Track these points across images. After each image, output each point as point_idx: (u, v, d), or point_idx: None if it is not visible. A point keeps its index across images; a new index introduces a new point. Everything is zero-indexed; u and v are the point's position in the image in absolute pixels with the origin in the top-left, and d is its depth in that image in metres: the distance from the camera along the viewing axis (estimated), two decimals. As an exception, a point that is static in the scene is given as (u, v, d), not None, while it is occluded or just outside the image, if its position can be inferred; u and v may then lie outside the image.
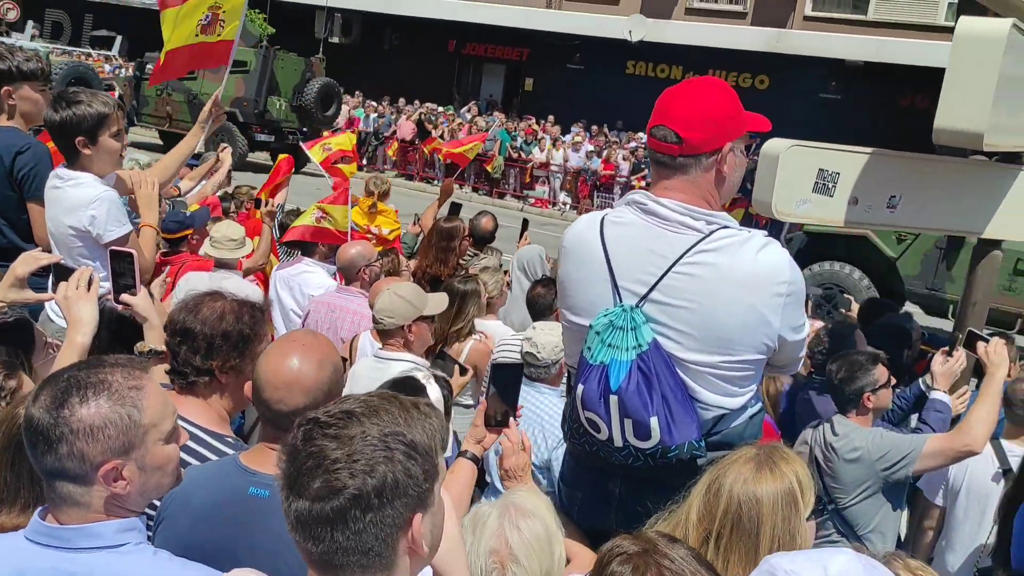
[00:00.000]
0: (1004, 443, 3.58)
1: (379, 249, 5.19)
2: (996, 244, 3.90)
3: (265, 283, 5.26)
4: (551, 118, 22.25)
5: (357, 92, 24.08)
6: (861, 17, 21.19)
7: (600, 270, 2.06)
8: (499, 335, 4.42)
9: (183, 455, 1.68)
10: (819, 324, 4.59)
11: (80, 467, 1.44)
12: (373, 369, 3.39)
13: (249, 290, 4.48)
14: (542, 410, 3.30)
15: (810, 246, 10.66)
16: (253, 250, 4.94)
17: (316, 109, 19.83)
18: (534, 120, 22.26)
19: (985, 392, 3.26)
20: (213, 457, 2.03)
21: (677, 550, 1.49)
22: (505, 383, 2.12)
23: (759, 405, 2.14)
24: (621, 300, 2.01)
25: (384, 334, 3.49)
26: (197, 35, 3.89)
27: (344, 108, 23.08)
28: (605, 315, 2.00)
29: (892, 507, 3.33)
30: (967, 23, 3.22)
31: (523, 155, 21.03)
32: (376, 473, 1.22)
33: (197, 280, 4.46)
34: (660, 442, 1.94)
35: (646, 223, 2.04)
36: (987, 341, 3.44)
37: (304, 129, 19.90)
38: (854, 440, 3.26)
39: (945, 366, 3.68)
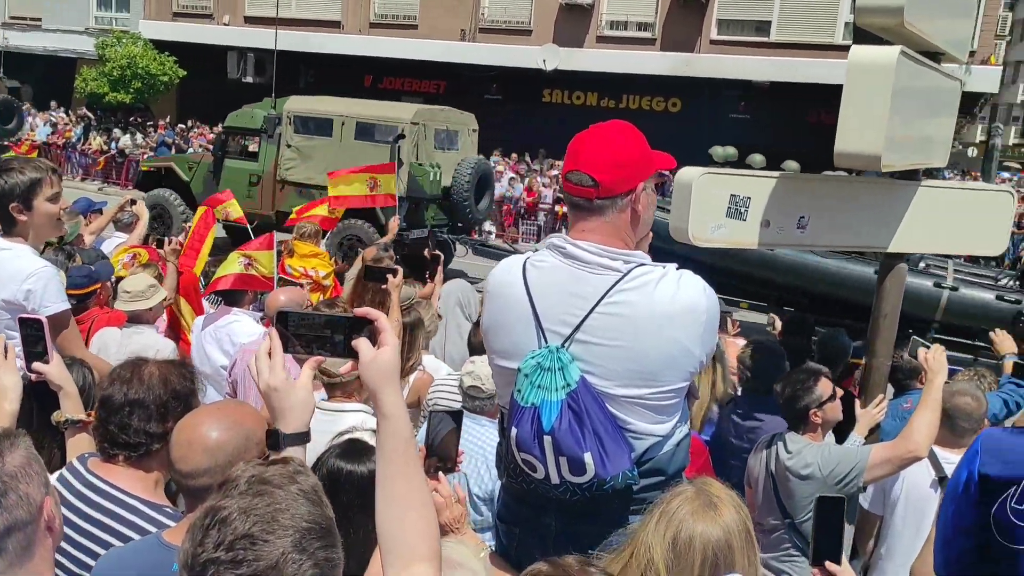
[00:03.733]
0: (938, 451, 3.65)
1: (315, 296, 5.13)
2: (901, 258, 4.09)
3: (176, 332, 5.16)
4: (472, 148, 22.44)
5: (275, 131, 23.87)
6: (764, 39, 21.99)
7: (524, 313, 2.10)
8: (430, 369, 4.42)
9: (122, 528, 1.68)
10: (741, 342, 4.73)
11: (29, 511, 1.50)
12: (322, 422, 3.28)
13: (160, 344, 4.41)
14: (485, 442, 3.32)
15: (145, 179, 15.14)
16: (165, 299, 4.83)
17: None
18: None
19: (926, 398, 3.37)
20: (152, 529, 2.00)
21: (594, 573, 1.52)
22: (445, 430, 2.15)
23: (686, 429, 2.22)
24: (547, 342, 2.06)
25: (330, 386, 3.44)
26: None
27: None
28: (532, 357, 2.04)
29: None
30: (858, 52, 3.40)
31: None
32: None
33: (109, 337, 4.36)
34: (595, 476, 1.99)
35: (566, 266, 2.09)
36: (928, 348, 3.56)
37: None
38: (806, 456, 3.34)
39: (867, 415, 3.82)
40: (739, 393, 4.36)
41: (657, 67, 22.26)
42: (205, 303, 5.58)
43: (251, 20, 26.30)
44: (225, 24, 26.70)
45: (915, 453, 3.26)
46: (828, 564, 2.05)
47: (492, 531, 2.95)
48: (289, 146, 13.67)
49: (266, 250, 5.54)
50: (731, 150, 10.87)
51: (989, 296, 8.24)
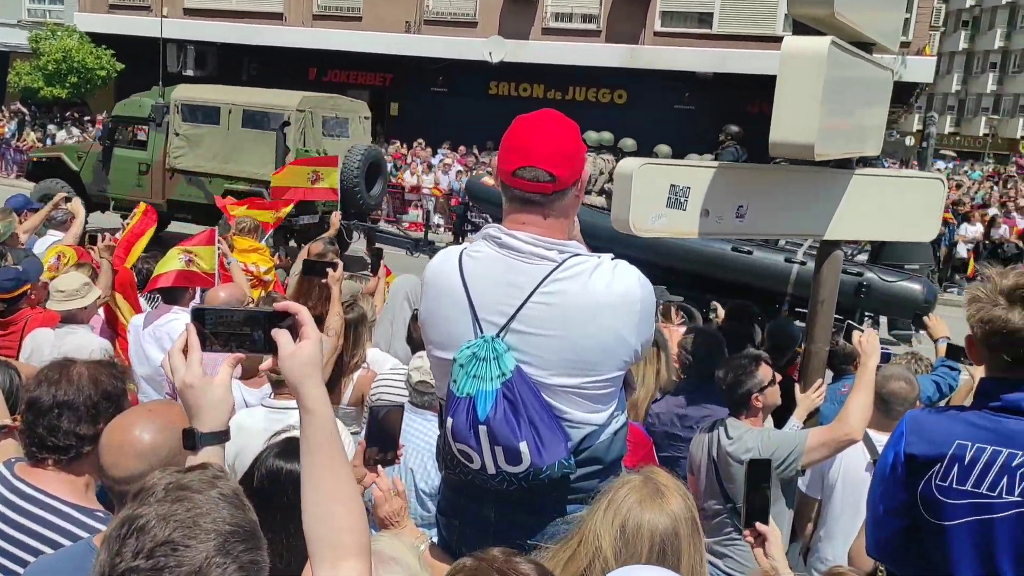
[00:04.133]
0: (874, 435, 3.70)
1: (256, 292, 5.05)
2: (837, 244, 4.18)
3: (115, 329, 5.04)
4: (421, 141, 22.34)
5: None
6: (707, 31, 22.27)
7: (460, 304, 2.10)
8: (376, 363, 4.39)
9: (52, 534, 1.62)
10: (683, 330, 4.78)
11: None
12: (269, 420, 3.22)
13: (95, 344, 4.30)
14: (432, 438, 3.28)
15: (35, 169, 14.97)
16: (99, 297, 4.70)
17: None
18: (399, 144, 22.29)
19: (860, 381, 3.43)
20: (83, 535, 1.95)
21: (520, 564, 1.52)
22: (384, 423, 2.13)
23: (624, 418, 2.23)
24: (482, 332, 2.06)
25: (277, 383, 3.36)
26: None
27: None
28: (468, 347, 2.03)
29: (785, 504, 3.46)
30: (791, 42, 3.46)
31: (393, 180, 20.98)
32: None
33: (42, 337, 4.24)
34: (531, 465, 1.99)
35: (502, 256, 2.09)
36: (862, 331, 3.63)
37: None
38: (747, 442, 3.38)
39: (807, 400, 3.87)
40: (682, 380, 4.40)
41: (603, 59, 22.38)
42: (142, 300, 5.46)
43: (191, 12, 25.78)
44: (164, 16, 26.11)
45: (850, 436, 3.33)
46: (758, 525, 2.09)
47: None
48: (177, 134, 13.74)
49: (207, 246, 5.44)
50: (607, 135, 11.18)
51: None
